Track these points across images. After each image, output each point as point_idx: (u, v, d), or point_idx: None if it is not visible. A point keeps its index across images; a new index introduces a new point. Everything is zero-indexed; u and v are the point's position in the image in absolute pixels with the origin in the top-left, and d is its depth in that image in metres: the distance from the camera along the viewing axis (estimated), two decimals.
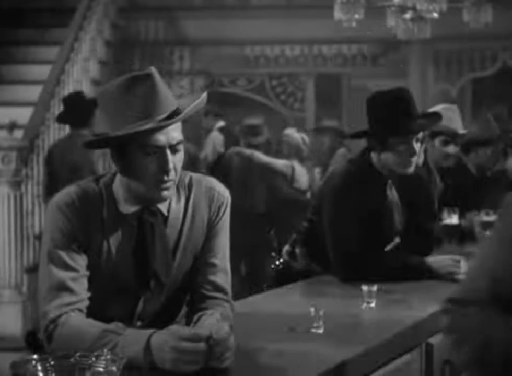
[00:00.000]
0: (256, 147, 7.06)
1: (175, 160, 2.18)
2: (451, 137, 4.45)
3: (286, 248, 3.78)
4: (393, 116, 3.30)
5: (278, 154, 7.13)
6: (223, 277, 2.38)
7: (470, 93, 10.71)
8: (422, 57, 9.72)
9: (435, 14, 6.04)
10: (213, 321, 2.22)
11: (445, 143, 4.49)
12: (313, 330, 2.49)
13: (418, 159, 3.74)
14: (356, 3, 6.05)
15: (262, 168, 6.84)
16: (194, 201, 2.33)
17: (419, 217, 3.55)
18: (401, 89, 3.39)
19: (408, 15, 6.18)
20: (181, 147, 2.20)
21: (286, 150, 6.99)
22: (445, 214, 4.29)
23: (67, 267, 2.18)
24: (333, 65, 9.80)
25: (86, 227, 2.20)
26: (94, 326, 2.11)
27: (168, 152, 2.15)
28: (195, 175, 2.39)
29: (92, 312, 2.20)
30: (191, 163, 7.23)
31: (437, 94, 9.75)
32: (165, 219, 2.30)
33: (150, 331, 2.08)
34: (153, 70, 2.22)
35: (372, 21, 7.13)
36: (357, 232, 3.29)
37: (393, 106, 3.31)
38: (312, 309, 2.51)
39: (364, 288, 2.85)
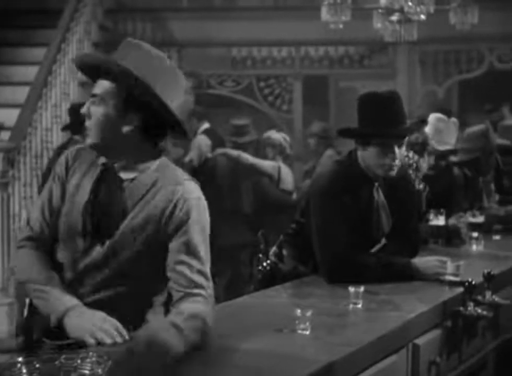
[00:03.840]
0: (242, 147, 7.05)
1: None
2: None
3: (273, 249, 3.79)
4: (376, 118, 3.32)
5: (264, 157, 7.11)
6: (197, 272, 2.40)
7: (457, 95, 10.73)
8: (409, 59, 9.72)
9: (422, 16, 6.06)
10: (166, 320, 2.30)
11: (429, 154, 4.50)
12: (300, 331, 2.50)
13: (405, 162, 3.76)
14: (343, 5, 6.07)
15: (249, 169, 6.82)
16: (159, 187, 2.44)
17: (405, 218, 3.55)
18: (392, 93, 3.41)
19: (395, 18, 6.21)
20: None
21: (270, 152, 6.98)
22: (431, 215, 4.31)
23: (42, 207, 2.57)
24: (320, 66, 9.79)
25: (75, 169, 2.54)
26: (36, 279, 2.46)
27: None
28: (175, 170, 2.50)
29: (52, 252, 2.53)
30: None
31: (425, 96, 9.79)
32: (121, 181, 2.47)
33: (66, 307, 2.37)
34: None
35: (359, 23, 7.17)
36: (344, 233, 3.30)
37: (379, 109, 3.33)
38: (298, 311, 2.51)
39: (351, 289, 2.86)
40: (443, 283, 3.23)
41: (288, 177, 6.89)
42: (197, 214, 2.44)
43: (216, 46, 9.62)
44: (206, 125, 8.59)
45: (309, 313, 2.51)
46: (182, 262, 2.40)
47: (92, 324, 2.33)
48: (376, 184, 3.45)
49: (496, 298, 3.16)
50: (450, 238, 4.37)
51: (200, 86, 9.81)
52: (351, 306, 2.84)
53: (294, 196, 6.90)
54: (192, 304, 2.35)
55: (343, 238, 3.29)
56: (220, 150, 7.22)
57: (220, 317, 2.66)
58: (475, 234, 4.34)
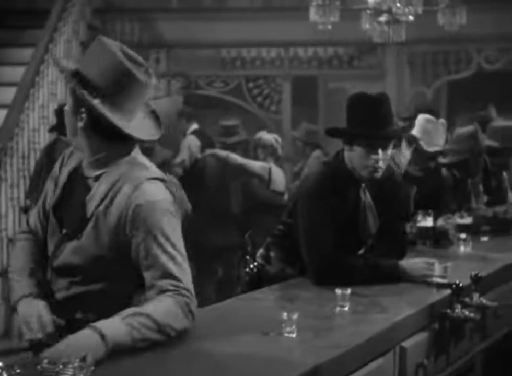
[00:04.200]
0: (232, 147, 7.03)
1: None
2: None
3: (260, 251, 3.77)
4: (362, 119, 3.31)
5: (255, 159, 7.08)
6: (171, 271, 2.36)
7: (446, 95, 10.74)
8: (398, 60, 9.73)
9: (410, 17, 6.06)
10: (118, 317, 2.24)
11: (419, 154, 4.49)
12: (286, 334, 2.48)
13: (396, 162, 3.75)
14: (331, 6, 6.06)
15: (238, 170, 6.81)
16: (119, 187, 2.44)
17: (392, 220, 3.54)
18: (380, 95, 3.39)
19: (383, 18, 6.20)
20: None
21: (261, 153, 6.96)
22: (419, 216, 4.30)
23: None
24: (309, 67, 9.78)
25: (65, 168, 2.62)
26: (14, 269, 2.62)
27: None
28: (141, 169, 2.48)
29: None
30: (164, 168, 7.19)
31: (414, 97, 9.80)
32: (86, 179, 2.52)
33: (19, 296, 2.51)
34: None
35: (348, 23, 7.17)
36: (331, 235, 3.28)
37: (365, 110, 3.32)
38: (285, 314, 2.50)
39: (338, 291, 2.85)
40: (431, 285, 3.22)
41: (279, 178, 6.87)
42: (152, 216, 2.39)
43: (205, 46, 9.61)
44: (195, 126, 8.57)
45: (295, 316, 2.49)
46: (149, 256, 2.37)
47: (24, 315, 2.43)
48: (363, 185, 3.44)
49: (484, 301, 3.15)
50: (438, 240, 4.36)
51: (189, 87, 9.80)
52: (338, 308, 2.83)
53: (286, 197, 6.89)
54: (158, 303, 2.31)
55: (330, 240, 3.28)
56: (209, 151, 7.21)
57: (207, 319, 2.65)
58: (463, 236, 4.34)
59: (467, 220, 4.46)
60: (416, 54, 9.77)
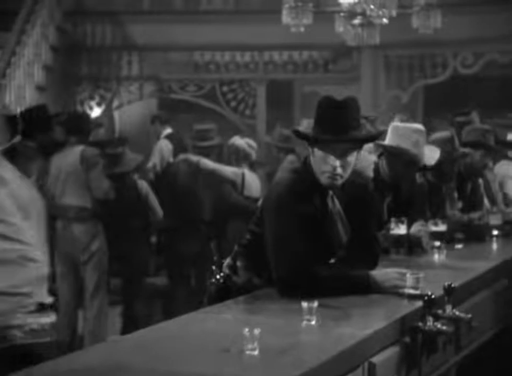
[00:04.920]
0: (205, 152, 6.87)
1: None
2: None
3: (227, 261, 3.62)
4: (320, 122, 3.18)
5: (230, 164, 6.93)
6: None
7: (422, 100, 10.67)
8: (373, 63, 9.67)
9: (385, 20, 5.95)
10: None
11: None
12: (248, 352, 2.34)
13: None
14: (304, 8, 5.94)
15: (209, 175, 6.66)
16: None
17: (363, 228, 3.41)
18: (346, 99, 3.25)
19: (357, 21, 6.09)
20: None
21: (235, 159, 6.81)
22: (393, 224, 4.18)
23: None
24: (284, 71, 9.68)
25: None
26: None
27: None
28: None
29: None
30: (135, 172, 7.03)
31: (389, 101, 9.72)
32: None
33: None
34: None
35: (323, 27, 7.06)
36: (298, 244, 3.15)
37: (324, 113, 3.19)
38: (246, 330, 2.35)
39: (304, 304, 2.71)
40: (402, 297, 3.09)
41: (253, 184, 6.73)
42: None
43: (178, 50, 9.54)
44: (168, 130, 8.47)
45: (257, 332, 2.35)
46: None
47: None
48: (330, 192, 3.30)
49: (457, 312, 3.02)
50: (411, 248, 4.24)
51: (161, 91, 9.67)
52: (304, 322, 2.69)
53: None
54: None
55: (297, 249, 3.14)
56: (181, 156, 7.07)
57: (163, 336, 2.51)
58: (437, 243, 4.23)
59: (441, 227, 4.34)
60: (392, 57, 9.73)
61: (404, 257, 4.09)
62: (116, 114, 10.50)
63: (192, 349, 2.41)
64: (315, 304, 2.70)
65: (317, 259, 3.22)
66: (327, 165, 3.17)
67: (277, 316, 2.80)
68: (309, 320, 2.70)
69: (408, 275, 3.14)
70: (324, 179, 3.20)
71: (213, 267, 3.62)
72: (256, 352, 2.33)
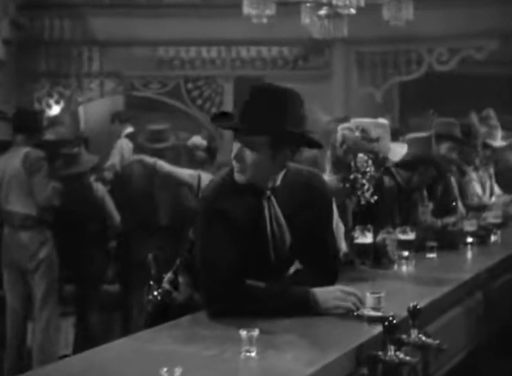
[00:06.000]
0: (160, 154, 6.46)
1: None
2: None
3: (168, 275, 3.21)
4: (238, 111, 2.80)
5: (190, 165, 6.51)
6: None
7: (398, 97, 10.33)
8: (345, 60, 9.32)
9: (352, 10, 5.57)
10: None
11: None
12: None
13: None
14: None
15: (166, 178, 6.25)
16: None
17: (314, 236, 2.98)
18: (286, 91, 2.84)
19: (323, 12, 5.70)
20: None
21: (194, 159, 6.40)
22: (357, 232, 3.77)
23: None
24: (252, 67, 9.29)
25: None
26: None
27: None
28: None
29: None
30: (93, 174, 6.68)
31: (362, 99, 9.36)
32: None
33: None
34: None
35: (292, 22, 6.70)
36: (227, 255, 2.74)
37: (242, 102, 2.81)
38: (165, 369, 1.94)
39: (243, 332, 2.29)
40: (361, 319, 2.69)
41: None
42: None
43: (141, 45, 9.15)
44: (129, 129, 8.11)
45: (178, 372, 1.94)
46: None
47: None
48: (268, 192, 2.89)
49: (423, 338, 2.62)
50: (378, 258, 3.84)
51: (123, 88, 9.28)
52: (243, 354, 2.27)
53: None
54: None
55: (226, 258, 2.73)
56: (135, 157, 6.67)
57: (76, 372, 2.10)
58: (405, 253, 3.83)
59: (410, 236, 3.93)
60: (365, 54, 9.38)
61: (369, 269, 3.69)
62: (80, 112, 10.11)
63: None
64: (256, 332, 2.29)
65: (249, 272, 2.80)
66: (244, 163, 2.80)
67: (211, 346, 2.37)
68: (249, 351, 2.29)
69: (367, 294, 2.74)
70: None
71: (151, 282, 3.21)
72: None
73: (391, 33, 8.20)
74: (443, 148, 4.86)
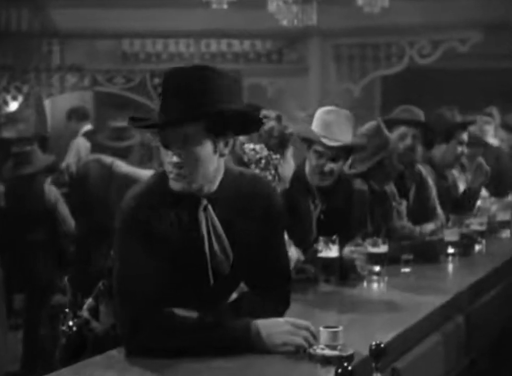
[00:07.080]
0: (122, 153, 6.02)
1: None
2: (325, 148, 3.48)
3: (88, 301, 2.70)
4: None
5: (159, 163, 6.08)
6: None
7: (379, 92, 9.92)
8: (322, 53, 8.97)
9: None
10: None
11: (320, 155, 3.51)
12: None
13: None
14: None
15: (123, 179, 5.78)
16: None
17: (265, 253, 2.48)
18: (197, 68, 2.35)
19: None
20: None
21: (158, 159, 5.99)
22: (321, 244, 3.27)
23: None
24: (223, 61, 8.89)
25: None
26: None
27: None
28: None
29: None
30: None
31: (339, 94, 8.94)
32: None
33: None
34: None
35: (266, 14, 6.33)
36: (149, 278, 2.27)
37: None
38: None
39: None
40: (314, 359, 2.18)
41: None
42: None
43: (104, 37, 8.85)
44: (87, 126, 7.73)
45: None
46: None
47: None
48: (204, 201, 2.38)
49: None
50: (345, 274, 3.34)
51: (85, 83, 8.92)
52: None
53: None
54: None
55: (144, 285, 2.26)
56: (92, 156, 6.24)
57: None
58: (376, 268, 3.34)
59: (382, 248, 3.42)
60: (342, 47, 9.02)
61: (334, 288, 3.19)
62: (47, 107, 9.73)
63: None
64: None
65: (182, 295, 2.31)
66: (167, 158, 2.33)
67: None
68: None
69: (321, 329, 2.22)
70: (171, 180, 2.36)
71: (66, 309, 2.69)
72: None
73: (370, 24, 7.81)
74: (408, 139, 4.33)
